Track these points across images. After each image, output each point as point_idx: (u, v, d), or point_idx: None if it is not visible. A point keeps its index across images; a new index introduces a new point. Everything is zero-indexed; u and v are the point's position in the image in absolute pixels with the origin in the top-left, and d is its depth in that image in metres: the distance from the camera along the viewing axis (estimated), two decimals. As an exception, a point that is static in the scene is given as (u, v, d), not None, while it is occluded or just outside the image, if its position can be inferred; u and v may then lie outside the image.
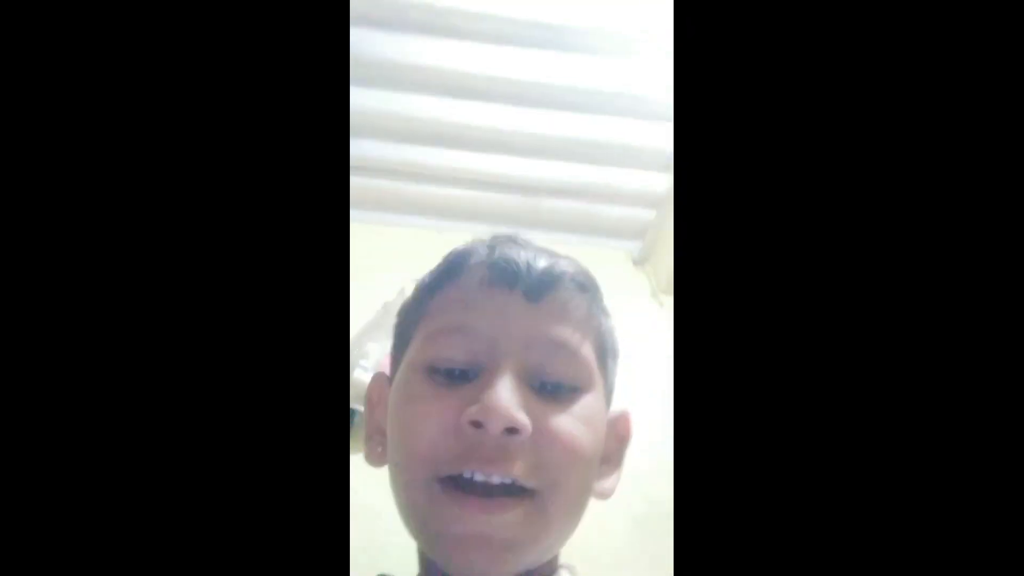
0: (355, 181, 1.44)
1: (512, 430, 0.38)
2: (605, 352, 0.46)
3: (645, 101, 1.22)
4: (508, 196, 1.41)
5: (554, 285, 0.43)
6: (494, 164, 1.36)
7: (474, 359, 0.41)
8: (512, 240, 0.46)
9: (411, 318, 0.47)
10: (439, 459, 0.39)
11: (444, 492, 0.39)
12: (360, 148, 1.35)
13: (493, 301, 0.43)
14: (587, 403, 0.42)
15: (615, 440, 0.48)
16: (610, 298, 0.48)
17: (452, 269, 0.45)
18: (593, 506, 0.45)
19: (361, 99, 1.23)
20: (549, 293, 0.43)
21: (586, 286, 0.46)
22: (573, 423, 0.41)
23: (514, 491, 0.39)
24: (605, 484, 0.46)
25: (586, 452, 0.41)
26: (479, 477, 0.38)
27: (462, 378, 0.41)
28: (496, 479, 0.38)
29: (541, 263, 0.44)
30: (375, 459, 0.48)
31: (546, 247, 0.47)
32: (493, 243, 0.45)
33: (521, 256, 0.44)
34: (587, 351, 0.44)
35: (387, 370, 0.50)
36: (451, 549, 0.39)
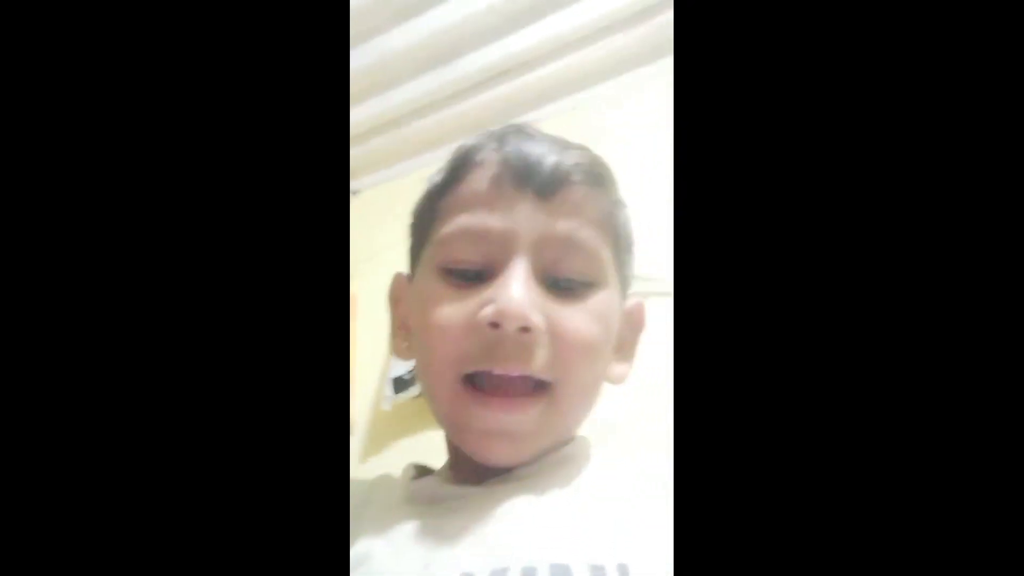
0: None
1: (526, 329, 0.39)
2: (620, 245, 0.46)
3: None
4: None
5: (566, 180, 0.42)
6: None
7: (488, 259, 0.41)
8: (522, 131, 0.45)
9: (425, 218, 0.46)
10: (460, 359, 0.41)
11: (467, 390, 0.41)
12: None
13: (504, 199, 0.42)
14: (601, 299, 0.43)
15: (629, 329, 0.49)
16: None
17: (461, 166, 0.44)
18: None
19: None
20: (562, 188, 0.42)
21: (600, 178, 0.44)
22: (587, 319, 0.42)
23: (532, 386, 0.41)
24: (618, 370, 0.48)
25: (599, 346, 0.43)
26: (498, 372, 0.40)
27: (477, 278, 0.41)
28: (515, 373, 0.40)
29: (552, 157, 0.42)
30: (401, 353, 0.50)
31: (558, 136, 0.46)
32: (502, 135, 0.44)
33: (532, 150, 0.42)
34: (601, 247, 0.43)
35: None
36: (475, 441, 0.42)
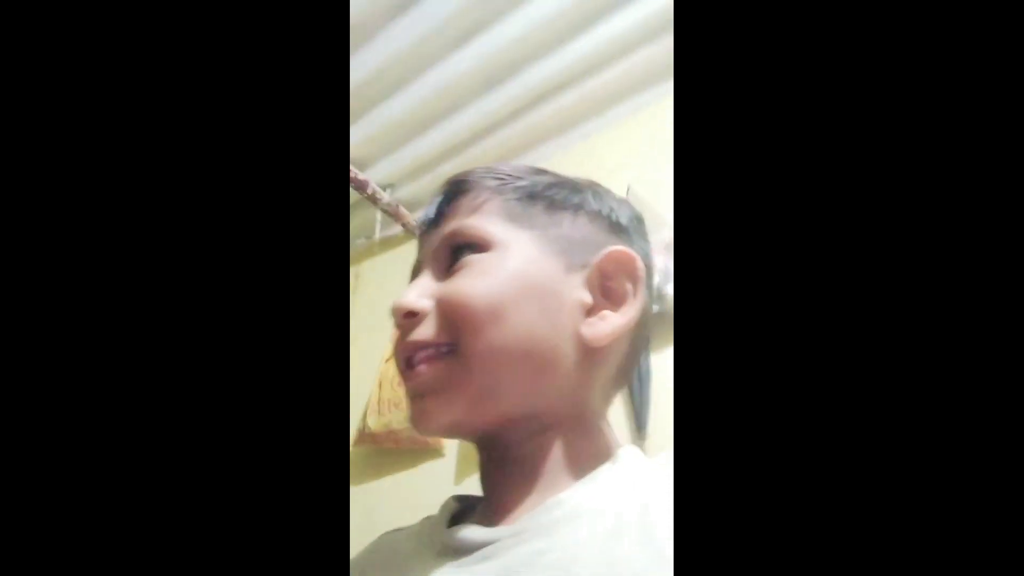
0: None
1: (410, 314, 0.46)
2: (518, 211, 0.48)
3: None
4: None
5: (446, 202, 0.50)
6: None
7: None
8: (432, 197, 0.53)
9: None
10: (397, 358, 0.48)
11: (401, 377, 0.48)
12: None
13: (420, 244, 0.51)
14: (486, 258, 0.46)
15: (616, 277, 0.47)
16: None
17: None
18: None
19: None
20: (443, 211, 0.50)
21: (467, 182, 0.50)
22: (466, 279, 0.45)
23: (433, 353, 0.45)
24: (588, 329, 0.46)
25: (485, 297, 0.44)
26: (401, 351, 0.46)
27: None
28: (410, 345, 0.45)
29: (435, 201, 0.51)
30: None
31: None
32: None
33: (428, 207, 0.52)
34: (482, 218, 0.47)
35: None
36: (410, 415, 0.47)
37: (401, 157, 1.59)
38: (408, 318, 0.46)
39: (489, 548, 0.41)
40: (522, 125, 1.50)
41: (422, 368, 0.45)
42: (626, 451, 0.45)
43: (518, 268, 0.46)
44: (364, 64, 1.36)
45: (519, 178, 0.50)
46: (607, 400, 0.51)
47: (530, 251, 0.47)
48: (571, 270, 0.47)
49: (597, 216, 0.50)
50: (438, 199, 0.51)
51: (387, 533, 0.53)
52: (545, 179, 0.51)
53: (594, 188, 0.52)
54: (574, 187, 0.51)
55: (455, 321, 0.44)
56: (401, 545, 0.49)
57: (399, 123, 1.50)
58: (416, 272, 0.50)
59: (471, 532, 0.43)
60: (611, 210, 0.51)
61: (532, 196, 0.49)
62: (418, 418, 0.46)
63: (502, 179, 0.50)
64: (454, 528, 0.45)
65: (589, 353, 0.46)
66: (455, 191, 0.50)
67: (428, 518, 0.51)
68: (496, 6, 1.27)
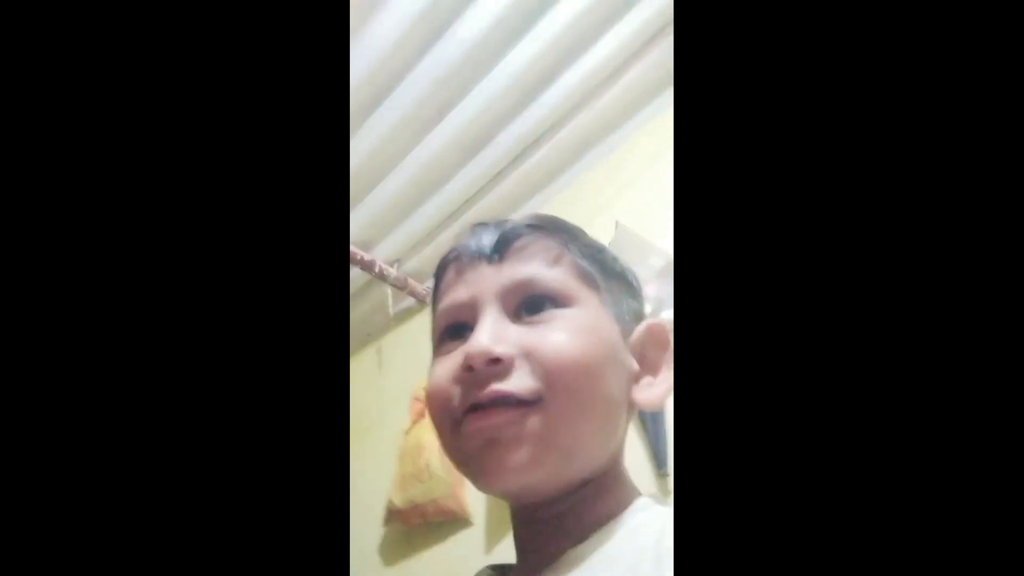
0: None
1: (494, 360, 0.42)
2: (592, 271, 0.49)
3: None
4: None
5: (508, 241, 0.48)
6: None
7: (461, 318, 0.47)
8: (479, 225, 0.52)
9: (432, 305, 0.54)
10: (450, 407, 0.44)
11: (461, 424, 0.44)
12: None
13: (466, 276, 0.49)
14: (575, 314, 0.46)
15: (652, 348, 0.50)
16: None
17: (440, 271, 0.52)
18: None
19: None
20: (507, 249, 0.48)
21: (541, 225, 0.50)
22: (560, 334, 0.44)
23: (519, 404, 0.42)
24: (643, 394, 0.48)
25: (579, 354, 0.44)
26: (481, 399, 0.43)
27: (455, 333, 0.47)
28: (496, 392, 0.42)
29: (494, 230, 0.50)
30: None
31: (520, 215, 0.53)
32: (464, 233, 0.52)
33: (481, 233, 0.50)
34: (561, 272, 0.47)
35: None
36: (474, 463, 0.44)
37: (402, 232, 1.66)
38: (491, 364, 0.43)
39: None
40: (511, 180, 1.57)
41: (501, 416, 0.42)
42: (641, 501, 0.46)
43: (599, 330, 0.46)
44: (356, 150, 1.44)
45: (576, 236, 0.51)
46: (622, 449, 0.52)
47: (603, 314, 0.48)
48: (625, 336, 0.49)
49: (629, 284, 0.53)
50: (490, 235, 0.49)
51: None
52: (594, 242, 0.53)
53: (619, 259, 0.54)
54: (611, 253, 0.53)
55: (550, 375, 0.43)
56: None
57: (395, 201, 1.57)
58: (469, 308, 0.47)
59: None
60: (633, 276, 0.54)
61: (593, 258, 0.50)
62: (491, 472, 0.43)
63: (568, 234, 0.51)
64: None
65: (629, 415, 0.49)
66: (517, 232, 0.49)
67: None
68: (463, 80, 1.35)
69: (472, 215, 1.61)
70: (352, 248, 1.61)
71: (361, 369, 1.84)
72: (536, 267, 0.47)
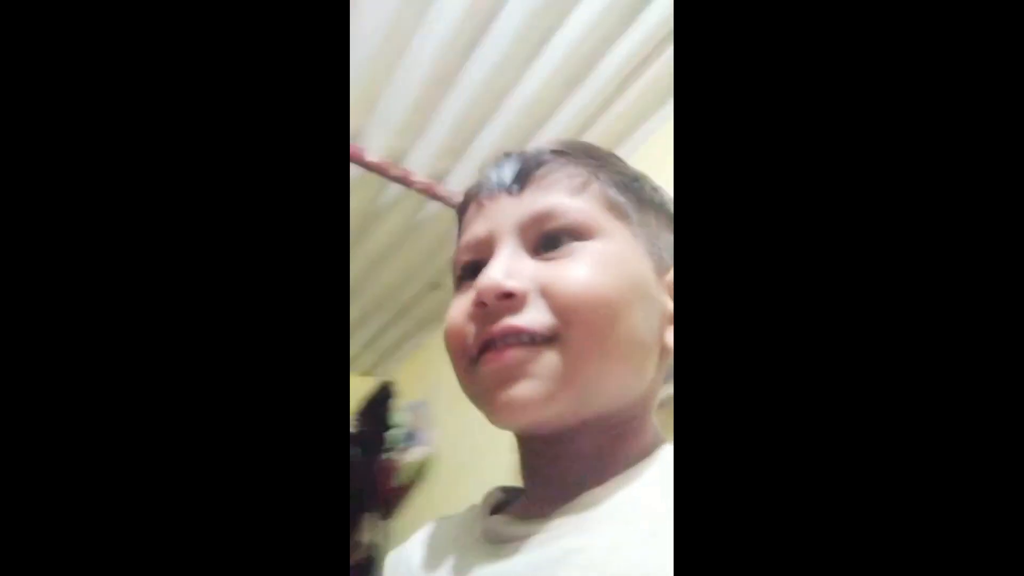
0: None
1: (506, 295, 0.41)
2: (622, 200, 0.46)
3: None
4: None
5: (529, 171, 0.45)
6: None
7: (479, 254, 0.45)
8: (504, 155, 0.49)
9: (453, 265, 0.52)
10: (465, 345, 0.43)
11: (476, 363, 0.42)
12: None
13: (484, 209, 0.46)
14: (597, 247, 0.43)
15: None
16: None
17: (462, 207, 0.50)
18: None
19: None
20: (527, 179, 0.45)
21: (568, 151, 0.47)
22: (580, 267, 0.42)
23: (533, 341, 0.40)
24: (670, 338, 0.45)
25: (600, 290, 0.41)
26: (496, 333, 0.41)
27: (475, 272, 0.44)
28: (509, 328, 0.40)
29: (516, 159, 0.47)
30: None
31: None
32: (488, 164, 0.49)
33: (499, 168, 0.47)
34: (585, 202, 0.44)
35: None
36: (489, 402, 0.42)
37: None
38: (503, 299, 0.41)
39: (524, 542, 0.41)
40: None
41: (514, 352, 0.40)
42: (666, 449, 0.44)
43: (624, 264, 0.43)
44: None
45: (608, 163, 0.48)
46: (658, 399, 0.49)
47: (632, 248, 0.45)
48: (659, 273, 0.46)
49: (670, 218, 0.49)
50: (512, 165, 0.47)
51: (440, 519, 0.52)
52: (628, 169, 0.49)
53: (661, 188, 0.50)
54: (652, 184, 0.49)
55: (566, 311, 0.41)
56: (447, 531, 0.49)
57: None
58: (487, 244, 0.45)
59: (508, 524, 0.43)
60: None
61: (625, 186, 0.47)
62: (504, 408, 0.41)
63: (598, 161, 0.47)
64: (494, 518, 0.45)
65: (662, 358, 0.45)
66: (539, 161, 0.46)
67: (473, 507, 0.50)
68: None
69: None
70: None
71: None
72: (558, 197, 0.44)
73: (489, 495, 0.50)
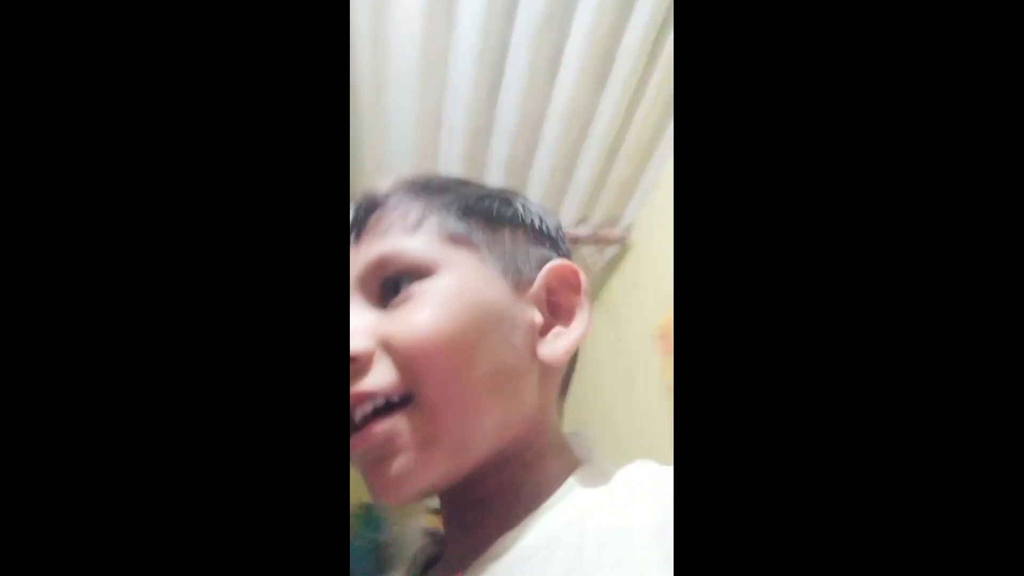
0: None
1: (353, 359, 0.38)
2: (459, 230, 0.43)
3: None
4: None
5: (362, 216, 0.43)
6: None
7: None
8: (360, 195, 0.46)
9: None
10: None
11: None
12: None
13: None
14: (435, 285, 0.40)
15: (562, 292, 0.44)
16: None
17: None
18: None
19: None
20: (362, 226, 0.43)
21: (403, 188, 0.45)
22: (418, 311, 0.39)
23: (389, 406, 0.38)
24: (547, 348, 0.42)
25: (444, 331, 0.38)
26: (356, 415, 0.38)
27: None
28: (366, 406, 0.38)
29: (353, 208, 0.44)
30: None
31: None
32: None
33: (356, 208, 0.44)
34: (422, 239, 0.42)
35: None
36: (371, 486, 0.39)
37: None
38: (354, 364, 0.38)
39: None
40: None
41: (378, 428, 0.38)
42: (578, 474, 0.42)
43: (471, 294, 0.40)
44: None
45: (448, 190, 0.45)
46: (560, 413, 0.47)
47: (479, 273, 0.42)
48: (519, 289, 0.43)
49: (531, 229, 0.46)
50: (352, 211, 0.44)
51: None
52: (473, 190, 0.46)
53: (519, 197, 0.48)
54: (503, 198, 0.46)
55: (412, 366, 0.38)
56: None
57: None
58: None
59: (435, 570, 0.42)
60: (541, 220, 0.47)
61: (468, 211, 0.44)
62: (385, 487, 0.38)
63: (437, 192, 0.45)
64: (419, 564, 0.45)
65: (545, 373, 0.43)
66: (371, 205, 0.44)
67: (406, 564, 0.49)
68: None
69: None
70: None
71: (600, 333, 1.82)
72: (391, 240, 0.42)
73: (422, 550, 0.48)
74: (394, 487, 0.38)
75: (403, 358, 0.38)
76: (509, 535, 0.39)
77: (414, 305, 0.39)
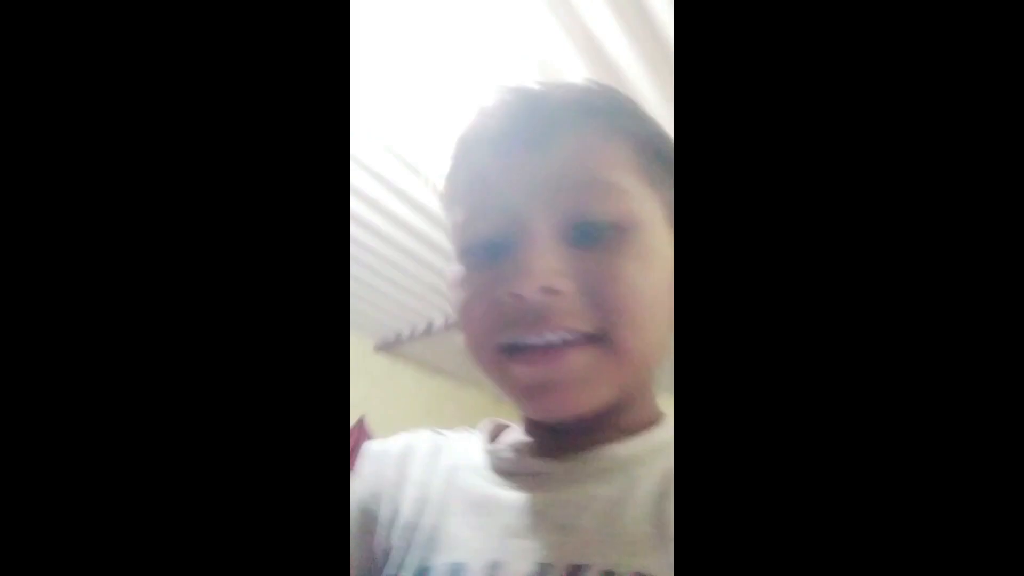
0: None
1: (550, 290, 0.38)
2: (650, 171, 0.42)
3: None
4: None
5: (556, 123, 0.41)
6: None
7: (502, 230, 0.40)
8: (513, 90, 0.44)
9: (445, 206, 0.46)
10: (492, 333, 0.40)
11: (508, 357, 0.40)
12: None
13: (501, 165, 0.41)
14: (637, 239, 0.40)
15: None
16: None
17: (460, 148, 0.45)
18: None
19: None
20: (555, 134, 0.40)
21: (595, 107, 0.42)
22: (622, 264, 0.39)
23: (575, 341, 0.39)
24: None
25: (643, 289, 0.39)
26: (533, 340, 0.39)
27: (496, 251, 0.40)
28: (551, 337, 0.38)
29: (538, 105, 0.42)
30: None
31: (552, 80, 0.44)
32: (492, 99, 0.44)
33: (515, 107, 0.42)
34: (621, 179, 0.40)
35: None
36: (527, 398, 0.41)
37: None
38: (546, 295, 0.38)
39: (540, 479, 0.41)
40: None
41: (561, 357, 0.39)
42: (670, 418, 0.45)
43: (666, 258, 0.41)
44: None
45: (641, 116, 0.44)
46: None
47: (664, 231, 0.42)
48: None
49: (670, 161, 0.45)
50: (528, 105, 0.42)
51: (423, 431, 0.51)
52: (651, 124, 0.45)
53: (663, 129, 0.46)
54: (661, 131, 0.45)
55: (612, 310, 0.39)
56: (436, 447, 0.48)
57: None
58: (511, 218, 0.40)
59: (519, 458, 0.43)
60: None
61: (651, 144, 0.43)
62: (549, 408, 0.40)
63: (626, 110, 0.43)
64: (500, 447, 0.45)
65: None
66: (561, 106, 0.42)
67: (467, 432, 0.50)
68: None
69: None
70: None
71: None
72: (592, 165, 0.40)
73: (484, 424, 0.50)
74: (560, 409, 0.40)
75: (608, 306, 0.39)
76: (613, 446, 0.42)
77: (622, 257, 0.40)
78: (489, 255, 0.41)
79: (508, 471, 0.43)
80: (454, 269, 0.44)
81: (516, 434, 0.48)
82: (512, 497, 0.41)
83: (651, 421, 0.45)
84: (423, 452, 0.48)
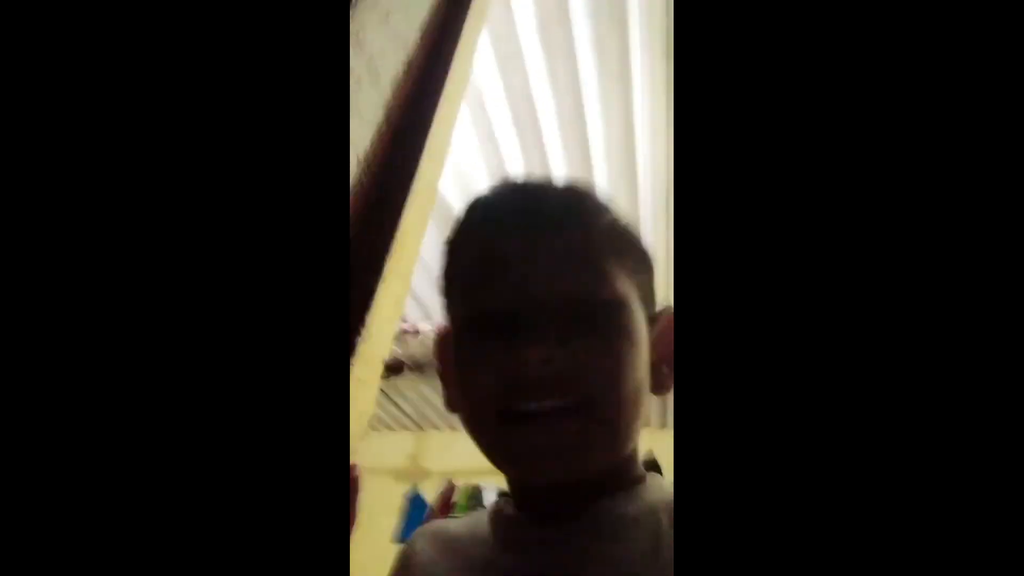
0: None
1: (549, 361, 0.42)
2: (625, 259, 0.47)
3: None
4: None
5: (555, 213, 0.46)
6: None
7: (508, 303, 0.44)
8: (516, 185, 0.50)
9: (447, 276, 0.51)
10: (491, 399, 0.44)
11: (506, 422, 0.43)
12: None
13: (510, 247, 0.46)
14: (623, 317, 0.45)
15: (665, 339, 0.49)
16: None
17: (469, 223, 0.50)
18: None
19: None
20: (554, 223, 0.46)
21: (585, 203, 0.49)
22: (612, 339, 0.44)
23: (570, 409, 0.42)
24: (664, 382, 0.49)
25: (628, 360, 0.44)
26: (532, 407, 0.42)
27: (499, 324, 0.44)
28: (548, 404, 0.42)
29: (536, 195, 0.48)
30: (450, 407, 0.51)
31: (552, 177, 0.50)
32: (499, 190, 0.50)
33: (521, 201, 0.48)
34: (610, 265, 0.46)
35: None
36: (525, 462, 0.44)
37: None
38: (546, 373, 0.42)
39: (547, 545, 0.44)
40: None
41: (563, 423, 0.42)
42: (652, 476, 0.49)
43: (641, 331, 0.46)
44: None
45: (616, 211, 0.49)
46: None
47: (638, 308, 0.47)
48: (649, 324, 0.48)
49: (647, 264, 0.51)
50: (527, 200, 0.48)
51: (435, 523, 0.56)
52: (621, 217, 0.50)
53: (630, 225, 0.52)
54: (634, 227, 0.51)
55: (601, 379, 0.43)
56: (454, 534, 0.52)
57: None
58: (519, 293, 0.44)
59: (529, 528, 0.46)
60: (645, 253, 0.52)
61: (625, 235, 0.49)
62: (542, 471, 0.44)
63: (604, 213, 0.49)
64: (510, 522, 0.48)
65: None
66: (561, 201, 0.48)
67: (478, 512, 0.54)
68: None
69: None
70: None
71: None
72: (584, 258, 0.45)
73: (495, 503, 0.53)
74: (551, 472, 0.43)
75: (597, 375, 0.43)
76: (605, 503, 0.45)
77: (610, 330, 0.44)
78: (493, 325, 0.45)
79: (517, 544, 0.46)
80: (456, 334, 0.48)
81: (510, 507, 0.51)
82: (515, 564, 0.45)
83: (636, 481, 0.48)
84: (440, 546, 0.52)
